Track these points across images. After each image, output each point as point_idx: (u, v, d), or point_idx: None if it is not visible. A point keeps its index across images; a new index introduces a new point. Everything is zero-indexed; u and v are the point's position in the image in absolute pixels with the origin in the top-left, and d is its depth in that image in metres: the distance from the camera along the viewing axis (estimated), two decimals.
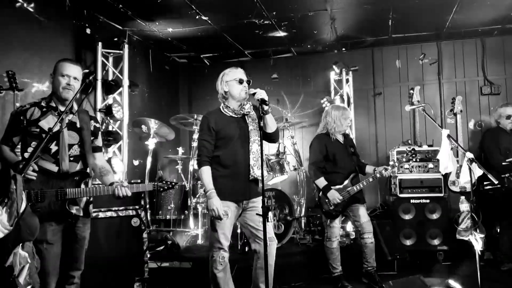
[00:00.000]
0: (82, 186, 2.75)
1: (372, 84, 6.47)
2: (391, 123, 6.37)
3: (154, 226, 5.16)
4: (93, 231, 2.99)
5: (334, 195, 3.92)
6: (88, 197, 2.80)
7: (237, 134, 3.04)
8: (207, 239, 3.86)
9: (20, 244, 2.28)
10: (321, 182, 3.98)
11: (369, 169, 4.15)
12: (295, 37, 5.86)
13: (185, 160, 5.58)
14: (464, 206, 4.48)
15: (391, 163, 4.14)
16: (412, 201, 4.99)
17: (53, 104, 2.77)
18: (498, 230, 4.63)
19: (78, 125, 2.82)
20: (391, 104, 6.40)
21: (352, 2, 4.79)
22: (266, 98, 2.86)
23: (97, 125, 2.97)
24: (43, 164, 2.64)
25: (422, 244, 4.90)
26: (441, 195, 4.96)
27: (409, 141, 5.60)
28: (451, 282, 3.95)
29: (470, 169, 3.37)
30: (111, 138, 4.91)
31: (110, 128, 5.08)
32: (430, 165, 5.02)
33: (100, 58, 4.99)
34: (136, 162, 5.63)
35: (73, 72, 2.74)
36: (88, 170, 2.89)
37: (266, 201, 2.64)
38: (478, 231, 4.15)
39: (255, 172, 3.02)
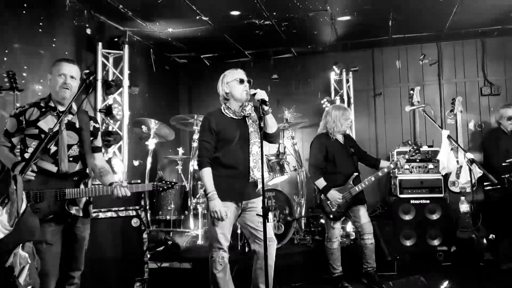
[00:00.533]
0: (82, 186, 2.74)
1: (372, 85, 6.48)
2: (391, 123, 6.37)
3: (154, 227, 5.16)
4: (93, 231, 2.98)
5: (334, 196, 3.91)
6: (87, 198, 2.79)
7: (238, 136, 3.04)
8: (207, 239, 3.86)
9: (21, 245, 2.28)
10: (321, 182, 3.98)
11: (383, 164, 4.12)
12: (295, 37, 5.86)
13: (185, 161, 5.58)
14: (464, 206, 4.49)
15: (395, 159, 4.11)
16: (412, 201, 4.99)
17: (52, 104, 2.77)
18: (498, 231, 4.63)
19: (77, 126, 2.82)
20: (391, 104, 6.40)
21: (352, 2, 4.79)
22: (267, 98, 2.86)
23: (97, 126, 2.97)
24: (42, 165, 2.64)
25: (422, 245, 4.90)
26: (441, 195, 4.96)
27: (409, 142, 5.61)
28: (451, 282, 3.95)
29: (470, 169, 3.37)
30: (111, 138, 4.91)
31: (110, 128, 5.08)
32: (430, 166, 5.02)
33: (100, 58, 4.99)
34: (136, 163, 5.62)
35: (70, 71, 2.74)
36: (87, 171, 2.89)
37: (266, 201, 2.64)
38: (478, 231, 4.16)
39: (255, 174, 3.02)
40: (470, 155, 3.41)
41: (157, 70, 6.23)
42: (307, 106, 6.51)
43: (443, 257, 4.83)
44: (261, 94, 2.87)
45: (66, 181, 2.69)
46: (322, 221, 4.88)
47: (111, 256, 3.45)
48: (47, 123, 2.69)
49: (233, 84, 3.06)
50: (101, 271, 3.36)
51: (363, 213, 4.05)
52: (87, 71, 4.47)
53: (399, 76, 6.40)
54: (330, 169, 4.05)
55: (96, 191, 2.73)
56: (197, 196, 5.12)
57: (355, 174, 4.04)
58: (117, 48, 5.13)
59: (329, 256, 4.06)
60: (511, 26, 5.58)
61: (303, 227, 5.24)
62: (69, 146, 2.75)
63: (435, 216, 4.93)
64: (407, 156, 4.02)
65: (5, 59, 3.85)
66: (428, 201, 4.97)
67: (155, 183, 2.92)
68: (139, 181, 3.87)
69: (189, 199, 5.14)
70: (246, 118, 3.10)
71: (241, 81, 3.05)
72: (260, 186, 3.03)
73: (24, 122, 2.68)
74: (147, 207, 5.00)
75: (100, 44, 4.97)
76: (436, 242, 4.88)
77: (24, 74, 4.03)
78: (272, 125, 3.04)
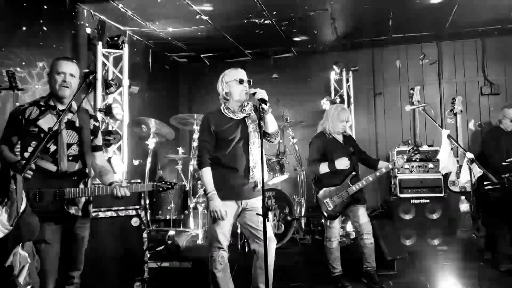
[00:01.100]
0: (81, 186, 2.73)
1: (372, 84, 6.48)
2: (391, 123, 6.37)
3: (154, 226, 5.16)
4: (93, 231, 2.98)
5: (343, 162, 3.85)
6: (87, 197, 2.79)
7: (237, 136, 3.04)
8: (207, 239, 3.87)
9: (20, 244, 2.28)
10: (323, 166, 3.92)
11: (382, 164, 4.12)
12: (295, 37, 5.86)
13: (185, 160, 5.58)
14: (464, 206, 4.48)
15: (393, 158, 4.11)
16: (412, 201, 4.99)
17: (52, 103, 2.76)
18: (498, 230, 4.63)
19: (77, 124, 2.81)
20: (391, 104, 6.40)
21: (353, 2, 4.79)
22: (266, 98, 2.86)
23: (97, 124, 2.96)
24: (42, 164, 2.63)
25: (422, 244, 4.90)
26: (441, 195, 4.96)
27: (409, 141, 5.61)
28: (451, 282, 3.95)
29: (470, 169, 3.37)
30: (111, 138, 4.91)
31: (110, 128, 5.08)
32: (430, 165, 5.02)
33: (100, 58, 4.99)
34: (136, 162, 5.62)
35: (69, 69, 2.73)
36: (87, 170, 2.88)
37: (266, 201, 2.64)
38: (478, 231, 4.16)
39: (255, 174, 3.02)
40: (470, 155, 3.41)
41: (157, 69, 6.23)
42: (307, 105, 6.52)
43: (443, 256, 4.83)
44: (261, 94, 2.86)
45: (66, 181, 2.68)
46: (323, 220, 4.89)
47: (111, 256, 3.45)
48: (47, 122, 2.68)
49: (233, 84, 3.06)
50: (101, 271, 3.35)
51: (362, 213, 4.04)
52: (87, 70, 4.46)
53: (399, 76, 6.40)
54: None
55: (96, 190, 2.72)
56: (197, 196, 5.12)
57: (353, 173, 4.04)
58: (117, 48, 5.13)
59: (329, 255, 4.05)
60: (511, 26, 5.58)
61: (303, 227, 5.25)
62: (69, 145, 2.74)
63: (435, 216, 4.93)
64: (405, 157, 4.01)
65: (4, 58, 3.85)
66: (428, 201, 4.97)
67: (155, 183, 2.91)
68: (139, 180, 3.87)
69: (189, 199, 5.14)
70: (246, 118, 3.10)
71: (241, 81, 3.05)
72: (260, 185, 3.03)
73: (23, 121, 2.67)
74: (147, 207, 5.00)
75: (100, 43, 4.97)
76: (436, 242, 4.88)
77: (24, 74, 4.03)
78: (272, 125, 3.04)
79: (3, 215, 2.19)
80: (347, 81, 6.17)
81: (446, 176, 4.93)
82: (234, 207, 3.03)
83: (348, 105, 6.11)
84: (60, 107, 2.76)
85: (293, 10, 4.94)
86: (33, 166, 2.51)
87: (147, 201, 5.03)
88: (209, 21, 5.16)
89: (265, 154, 4.77)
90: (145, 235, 3.61)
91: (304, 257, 4.50)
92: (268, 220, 2.69)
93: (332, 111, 4.10)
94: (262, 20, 5.17)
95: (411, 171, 5.04)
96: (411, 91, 5.32)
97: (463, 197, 4.60)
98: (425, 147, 5.17)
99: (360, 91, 6.43)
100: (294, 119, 5.85)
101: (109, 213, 3.50)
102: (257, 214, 2.92)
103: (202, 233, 4.96)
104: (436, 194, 4.96)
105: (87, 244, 2.84)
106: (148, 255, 3.68)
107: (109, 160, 4.79)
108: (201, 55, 6.71)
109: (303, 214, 5.49)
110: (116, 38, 5.11)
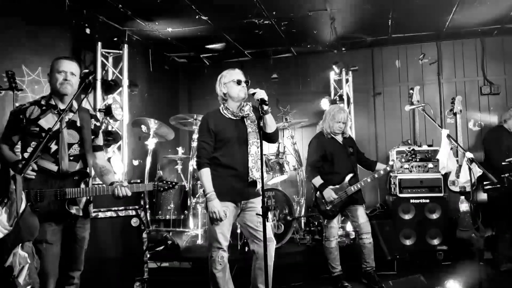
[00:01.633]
0: (82, 185, 2.74)
1: (372, 84, 6.48)
2: (391, 123, 6.37)
3: (154, 226, 5.16)
4: (93, 231, 2.98)
5: (330, 193, 3.93)
6: (88, 197, 2.79)
7: (236, 136, 3.04)
8: (207, 239, 3.86)
9: (20, 244, 2.28)
10: (317, 181, 4.00)
11: (379, 166, 4.15)
12: (295, 37, 5.86)
13: (185, 160, 5.58)
14: (464, 206, 4.48)
15: (391, 162, 4.13)
16: (412, 201, 4.99)
17: (53, 103, 2.76)
18: (498, 230, 4.63)
19: (78, 124, 2.81)
20: (391, 104, 6.40)
21: (352, 2, 4.78)
22: (266, 98, 2.86)
23: (98, 124, 2.96)
24: (43, 164, 2.63)
25: (422, 244, 4.90)
26: (441, 195, 4.97)
27: (409, 141, 5.61)
28: (451, 282, 3.95)
29: (469, 169, 3.37)
30: (111, 138, 4.90)
31: (109, 128, 5.07)
32: (430, 165, 5.02)
33: (99, 58, 4.99)
34: (136, 162, 5.62)
35: (69, 67, 2.74)
36: (88, 170, 2.88)
37: (265, 201, 2.64)
38: (477, 231, 4.16)
39: (254, 174, 3.02)
40: (469, 155, 3.41)
41: (156, 70, 6.22)
42: (307, 105, 6.52)
43: (443, 256, 4.84)
44: (261, 94, 2.87)
45: (67, 180, 2.68)
46: (321, 220, 4.89)
47: (111, 256, 3.45)
48: (48, 121, 2.68)
49: (231, 85, 3.07)
50: (101, 271, 3.36)
51: (361, 212, 4.05)
52: (86, 70, 4.46)
53: (399, 76, 6.40)
54: (327, 168, 4.06)
55: (97, 190, 2.72)
56: (196, 196, 5.12)
57: (352, 174, 4.05)
58: (116, 48, 5.13)
59: (328, 255, 4.06)
60: (511, 26, 5.58)
61: (302, 227, 5.25)
62: (70, 145, 2.74)
63: (435, 216, 4.93)
64: (403, 160, 4.03)
65: (4, 58, 3.85)
66: (427, 201, 4.97)
67: (156, 183, 2.91)
68: (138, 180, 3.87)
69: (188, 199, 5.15)
70: (245, 118, 3.11)
71: (239, 82, 3.06)
72: (259, 186, 3.03)
73: (24, 121, 2.67)
74: (147, 207, 5.00)
75: (99, 43, 4.96)
76: (436, 242, 4.88)
77: (23, 74, 4.03)
78: (271, 125, 3.04)
79: (2, 216, 2.19)
80: (347, 81, 6.17)
81: (446, 176, 4.94)
82: (234, 208, 3.03)
83: (348, 105, 6.11)
84: (61, 106, 2.76)
85: (293, 10, 4.94)
86: (35, 166, 2.51)
87: (147, 201, 5.04)
88: (209, 21, 5.16)
89: (265, 154, 4.77)
90: (145, 235, 3.62)
91: (304, 257, 4.50)
92: (267, 220, 2.69)
93: (329, 112, 4.13)
94: (262, 20, 5.17)
95: (410, 171, 5.04)
96: (411, 91, 5.32)
97: (462, 197, 4.60)
98: (424, 147, 5.17)
99: (360, 91, 6.42)
100: (294, 119, 5.84)
101: (109, 213, 3.51)
102: (257, 214, 2.93)
103: (202, 233, 4.96)
104: (436, 194, 4.96)
105: (87, 244, 2.84)
106: (148, 255, 3.68)
107: (108, 160, 4.79)
108: (201, 55, 6.71)
109: (302, 214, 5.49)
110: (115, 38, 5.10)
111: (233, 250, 4.15)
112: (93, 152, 2.88)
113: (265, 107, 2.88)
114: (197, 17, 5.01)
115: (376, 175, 4.02)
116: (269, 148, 5.70)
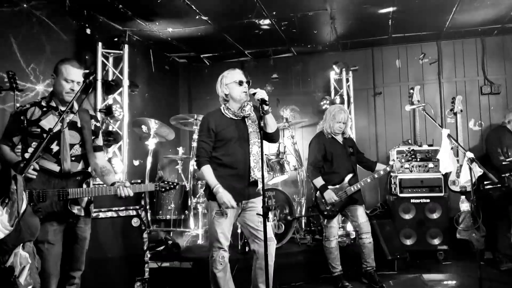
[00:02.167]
0: (84, 186, 2.75)
1: (372, 84, 6.47)
2: (391, 122, 6.37)
3: (155, 226, 5.16)
4: (94, 231, 2.99)
5: (330, 195, 3.94)
6: (89, 197, 2.80)
7: (237, 136, 3.05)
8: (207, 239, 3.87)
9: (21, 245, 2.28)
10: (319, 181, 4.01)
11: (379, 166, 4.16)
12: (295, 37, 5.86)
13: (185, 160, 5.58)
14: (464, 205, 4.48)
15: (391, 162, 4.14)
16: (412, 200, 5.00)
17: (54, 104, 2.77)
18: (498, 230, 4.63)
19: (79, 125, 2.82)
20: (391, 103, 6.39)
21: (352, 2, 4.78)
22: (266, 98, 2.87)
23: (98, 124, 2.97)
24: (45, 164, 2.65)
25: (422, 244, 4.91)
26: (441, 194, 4.97)
27: (409, 141, 5.61)
28: (451, 281, 3.95)
29: (470, 168, 3.37)
30: (111, 138, 4.91)
31: (110, 128, 5.08)
32: (430, 165, 5.03)
33: (100, 58, 4.99)
34: (136, 162, 5.63)
35: (77, 77, 2.73)
36: (89, 170, 2.89)
37: (266, 201, 2.64)
38: (478, 230, 4.15)
39: (256, 174, 3.03)
40: (470, 154, 3.41)
41: (157, 70, 6.22)
42: (307, 105, 6.52)
43: (443, 256, 4.84)
44: (261, 94, 2.87)
45: (69, 181, 2.70)
46: (321, 220, 4.89)
47: (111, 256, 3.46)
48: (49, 122, 2.69)
49: (232, 86, 3.07)
50: (102, 271, 3.36)
51: (360, 212, 4.06)
52: (87, 71, 4.43)
53: (399, 75, 6.40)
54: (327, 168, 4.07)
55: (99, 191, 2.74)
56: (197, 196, 5.12)
57: (351, 174, 4.05)
58: (117, 48, 5.13)
59: (328, 255, 4.07)
60: (511, 25, 5.58)
61: (303, 227, 5.25)
62: (71, 146, 2.75)
63: (435, 215, 4.93)
64: (403, 160, 4.03)
65: (5, 59, 3.85)
66: (428, 200, 4.97)
67: (157, 183, 2.92)
68: (139, 181, 3.87)
69: (189, 199, 5.15)
70: (246, 119, 3.11)
71: (240, 83, 3.06)
72: (260, 185, 3.03)
73: (25, 122, 2.68)
74: (148, 207, 5.01)
75: (100, 44, 4.96)
76: (436, 241, 4.88)
77: (24, 74, 4.03)
78: (272, 125, 3.05)
79: (3, 216, 2.19)
80: (347, 81, 6.17)
81: (446, 175, 4.94)
82: (235, 207, 3.03)
83: (348, 105, 6.11)
84: (62, 108, 2.78)
85: (293, 10, 4.94)
86: (36, 166, 2.52)
87: (148, 201, 5.04)
88: (209, 21, 5.17)
89: (265, 154, 4.77)
90: (145, 235, 3.62)
91: (304, 257, 4.50)
92: (268, 220, 2.69)
93: (329, 112, 4.14)
94: (262, 20, 5.17)
95: (411, 171, 5.05)
96: (411, 91, 5.32)
97: (463, 197, 4.60)
98: (425, 147, 5.17)
99: (360, 91, 6.42)
100: (294, 119, 5.85)
101: (109, 213, 3.51)
102: (257, 214, 2.93)
103: (202, 233, 4.96)
104: (436, 194, 4.97)
105: (88, 244, 2.84)
106: (149, 255, 3.68)
107: (109, 161, 4.79)
108: (201, 55, 6.71)
109: (303, 214, 5.49)
110: (116, 39, 5.10)
111: (234, 250, 4.16)
112: (94, 152, 2.89)
113: (266, 107, 2.89)
114: (197, 17, 5.02)
115: (376, 175, 4.03)
116: (270, 148, 5.70)
